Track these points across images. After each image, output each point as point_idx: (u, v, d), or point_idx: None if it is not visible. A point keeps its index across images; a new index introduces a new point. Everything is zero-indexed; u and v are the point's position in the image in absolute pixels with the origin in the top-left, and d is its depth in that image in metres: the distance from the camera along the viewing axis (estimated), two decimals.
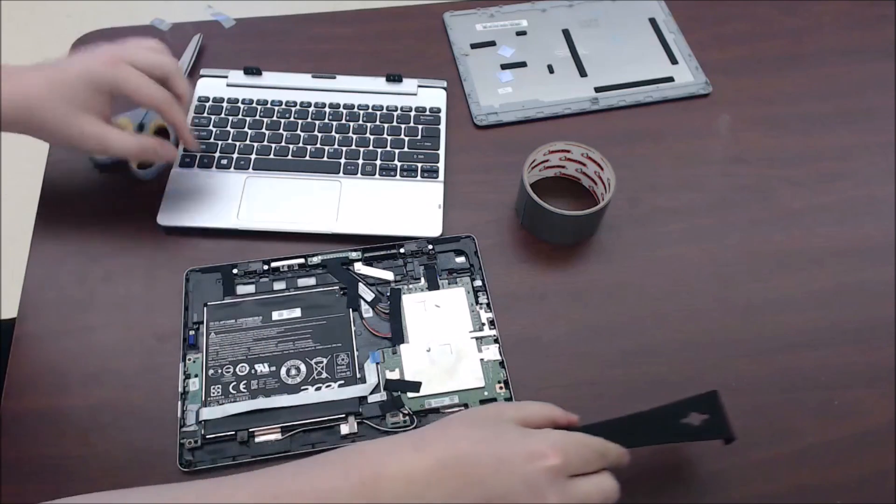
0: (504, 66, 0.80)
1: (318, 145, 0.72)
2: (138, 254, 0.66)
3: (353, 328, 0.61)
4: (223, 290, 0.63)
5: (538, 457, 0.44)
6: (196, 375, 0.59)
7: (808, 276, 0.67)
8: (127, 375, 0.59)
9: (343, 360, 0.60)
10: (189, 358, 0.60)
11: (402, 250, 0.66)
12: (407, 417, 0.57)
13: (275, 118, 0.73)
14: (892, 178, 0.73)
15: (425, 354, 0.60)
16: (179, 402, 0.57)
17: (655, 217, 0.70)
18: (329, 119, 0.74)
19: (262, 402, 0.57)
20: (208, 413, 0.57)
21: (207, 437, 0.56)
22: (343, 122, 0.74)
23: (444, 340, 0.61)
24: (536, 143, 0.68)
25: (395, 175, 0.70)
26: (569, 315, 0.64)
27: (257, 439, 0.56)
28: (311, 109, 0.74)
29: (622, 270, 0.67)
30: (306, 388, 0.58)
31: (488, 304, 0.63)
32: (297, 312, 0.62)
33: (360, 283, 0.64)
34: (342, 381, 0.59)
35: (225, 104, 0.74)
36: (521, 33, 0.82)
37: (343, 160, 0.71)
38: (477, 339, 0.61)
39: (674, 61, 0.80)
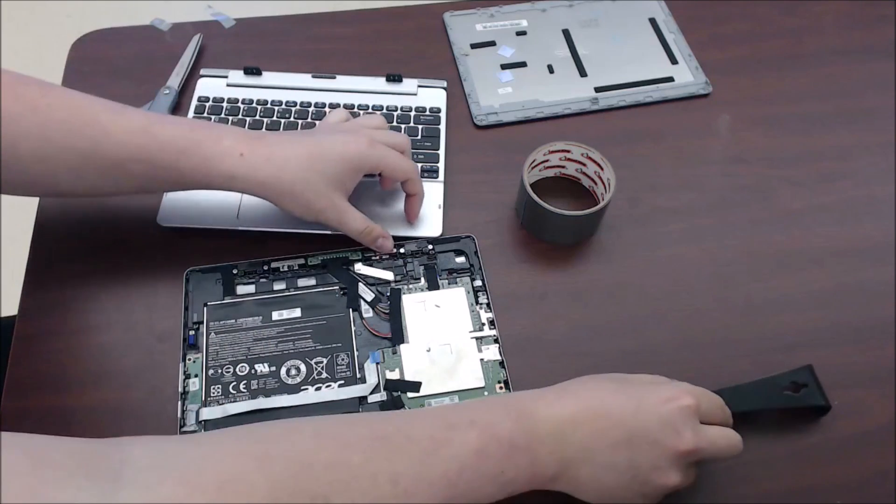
0: (504, 66, 0.80)
1: None
2: (138, 254, 0.66)
3: (353, 328, 0.62)
4: (223, 290, 0.63)
5: (673, 399, 0.48)
6: (196, 375, 0.59)
7: (808, 276, 0.67)
8: (127, 375, 0.59)
9: (343, 360, 0.60)
10: (189, 358, 0.60)
11: (402, 250, 0.66)
12: None
13: (275, 118, 0.73)
14: (892, 178, 0.73)
15: (425, 354, 0.60)
16: (179, 402, 0.57)
17: (655, 217, 0.70)
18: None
19: (262, 402, 0.57)
20: (208, 413, 0.57)
21: None
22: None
23: (444, 340, 0.61)
24: (536, 143, 0.68)
25: None
26: (569, 315, 0.64)
27: None
28: (311, 109, 0.74)
29: (622, 270, 0.67)
30: (306, 388, 0.58)
31: (488, 304, 0.63)
32: (297, 312, 0.62)
33: (360, 283, 0.64)
34: (342, 381, 0.59)
35: (225, 104, 0.74)
36: (521, 33, 0.82)
37: None
38: (477, 339, 0.61)
39: (674, 61, 0.80)
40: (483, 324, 0.62)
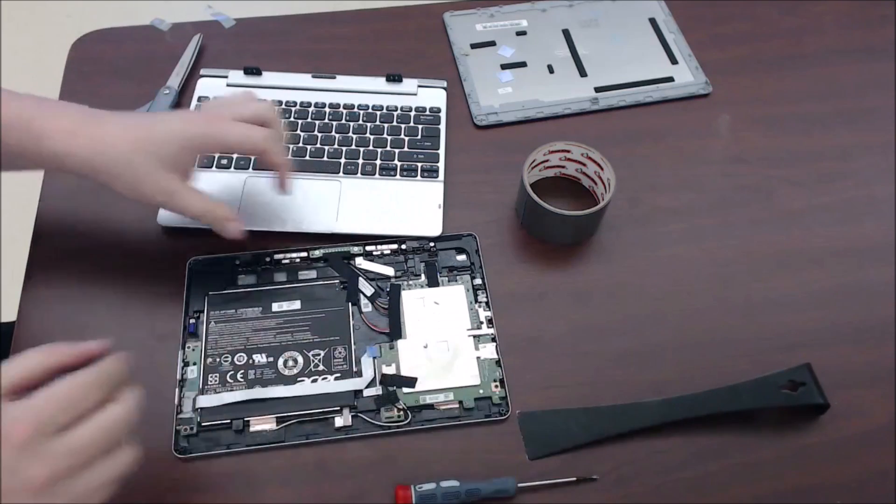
0: (504, 66, 0.80)
1: (318, 145, 0.72)
2: (138, 254, 0.66)
3: (351, 322, 0.62)
4: (225, 279, 0.63)
5: (5, 438, 0.40)
6: (195, 363, 0.59)
7: (808, 276, 0.67)
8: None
9: (340, 353, 0.60)
10: (188, 346, 0.60)
11: (403, 246, 0.66)
12: (401, 412, 0.58)
13: None
14: (892, 178, 0.73)
15: (422, 350, 0.60)
16: (177, 389, 0.58)
17: (655, 217, 0.70)
18: (329, 119, 0.74)
19: (258, 392, 0.58)
20: (205, 401, 0.57)
21: (203, 424, 0.56)
22: (343, 122, 0.74)
23: (441, 337, 0.61)
24: (536, 143, 0.68)
25: (395, 175, 0.70)
26: (568, 315, 0.64)
27: (252, 428, 0.57)
28: (311, 109, 0.74)
29: (622, 270, 0.67)
30: (303, 380, 0.59)
31: (487, 303, 0.63)
32: (296, 304, 0.62)
33: (360, 278, 0.64)
34: (338, 374, 0.59)
35: None
36: (521, 33, 0.82)
37: (343, 160, 0.71)
38: (474, 337, 0.62)
39: (674, 61, 0.80)
40: (481, 322, 0.62)
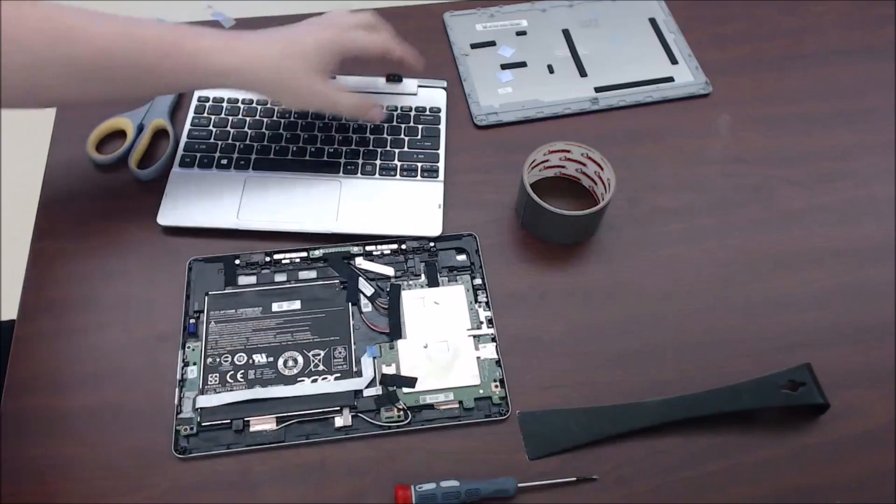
0: (504, 66, 0.80)
1: (318, 145, 0.72)
2: (138, 253, 0.66)
3: (351, 322, 0.62)
4: (225, 279, 0.63)
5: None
6: (195, 363, 0.59)
7: (808, 276, 0.67)
8: (127, 375, 0.59)
9: (340, 353, 0.60)
10: (188, 346, 0.60)
11: (403, 246, 0.66)
12: (401, 413, 0.57)
13: (275, 118, 0.73)
14: (892, 178, 0.73)
15: (422, 350, 0.60)
16: (177, 390, 0.58)
17: (655, 217, 0.70)
18: (329, 119, 0.74)
19: (258, 392, 0.58)
20: (205, 401, 0.57)
21: (203, 424, 0.56)
22: (343, 121, 0.74)
23: (441, 337, 0.61)
24: (536, 143, 0.68)
25: (394, 175, 0.70)
26: (569, 315, 0.64)
27: (252, 428, 0.57)
28: (310, 109, 0.74)
29: (622, 270, 0.67)
30: (302, 380, 0.59)
31: (487, 303, 0.63)
32: (296, 304, 0.62)
33: (360, 278, 0.64)
34: (338, 375, 0.59)
35: (225, 104, 0.74)
36: (520, 33, 0.82)
37: (343, 160, 0.71)
38: (474, 337, 0.62)
39: (674, 61, 0.80)
40: (481, 322, 0.62)
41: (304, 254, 0.65)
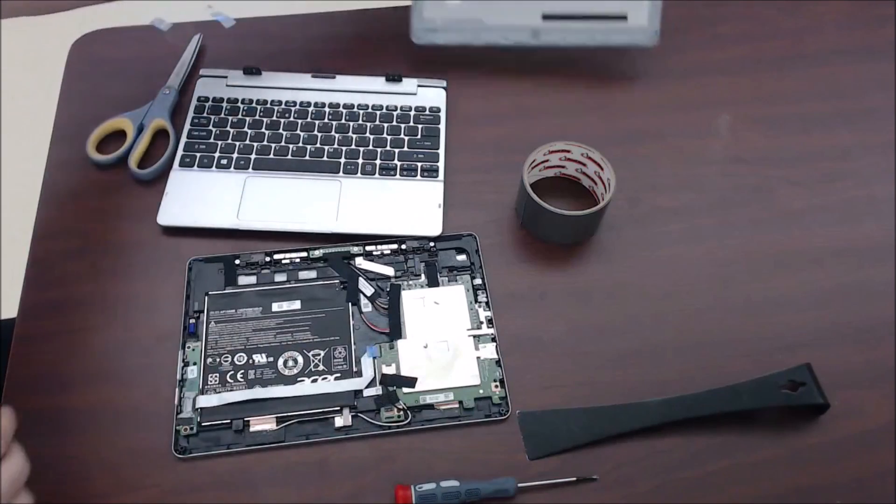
0: None
1: (318, 145, 0.72)
2: (138, 253, 0.66)
3: (351, 322, 0.62)
4: (225, 279, 0.63)
5: None
6: (195, 363, 0.59)
7: (808, 276, 0.67)
8: (127, 375, 0.59)
9: (340, 353, 0.60)
10: (188, 346, 0.60)
11: (403, 246, 0.66)
12: (401, 412, 0.58)
13: (274, 118, 0.73)
14: (892, 178, 0.73)
15: (422, 350, 0.60)
16: (177, 390, 0.58)
17: (655, 217, 0.70)
18: (329, 119, 0.74)
19: (258, 392, 0.58)
20: (205, 401, 0.57)
21: (203, 424, 0.56)
22: (343, 121, 0.74)
23: (441, 337, 0.61)
24: (536, 142, 0.68)
25: (394, 174, 0.70)
26: (569, 315, 0.64)
27: (252, 428, 0.57)
28: (310, 109, 0.74)
29: (622, 270, 0.67)
30: (303, 380, 0.59)
31: (487, 303, 0.63)
32: (296, 304, 0.62)
33: (360, 278, 0.64)
34: (338, 375, 0.59)
35: (225, 104, 0.74)
36: None
37: (343, 160, 0.71)
38: (474, 337, 0.62)
39: None
40: (481, 322, 0.62)
41: (304, 254, 0.65)
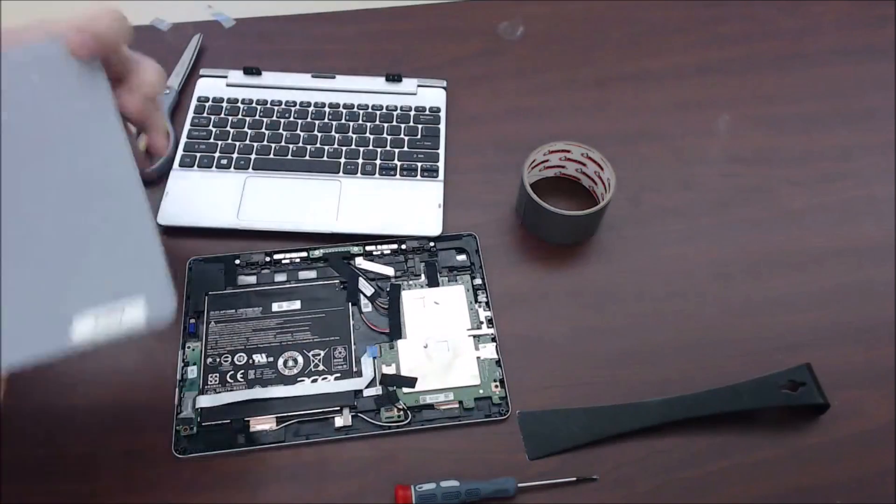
0: None
1: (318, 145, 0.72)
2: None
3: (351, 322, 0.62)
4: (225, 279, 0.63)
5: None
6: (195, 363, 0.59)
7: (808, 276, 0.67)
8: (127, 375, 0.59)
9: (340, 353, 0.60)
10: (188, 346, 0.60)
11: (403, 246, 0.66)
12: (401, 412, 0.57)
13: (274, 118, 0.73)
14: (892, 178, 0.73)
15: (422, 350, 0.60)
16: (177, 390, 0.58)
17: (655, 217, 0.70)
18: (329, 119, 0.74)
19: (258, 392, 0.57)
20: (205, 401, 0.57)
21: (203, 424, 0.56)
22: (343, 121, 0.74)
23: (441, 337, 0.61)
24: (536, 142, 0.68)
25: (394, 174, 0.70)
26: (569, 315, 0.64)
27: (252, 429, 0.57)
28: (310, 109, 0.74)
29: (622, 270, 0.67)
30: (303, 380, 0.59)
31: (487, 303, 0.63)
32: (296, 305, 0.62)
33: (360, 278, 0.64)
34: (338, 375, 0.59)
35: (225, 104, 0.74)
36: None
37: (343, 160, 0.71)
38: (474, 337, 0.61)
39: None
40: (481, 322, 0.62)
41: (304, 254, 0.65)
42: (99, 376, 0.59)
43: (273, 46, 0.81)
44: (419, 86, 0.77)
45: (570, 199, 0.70)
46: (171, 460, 0.55)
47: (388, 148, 0.72)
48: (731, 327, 0.64)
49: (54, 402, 0.58)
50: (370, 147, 0.72)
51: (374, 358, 0.60)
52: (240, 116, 0.73)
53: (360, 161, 0.71)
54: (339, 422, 0.57)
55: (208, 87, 0.76)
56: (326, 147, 0.72)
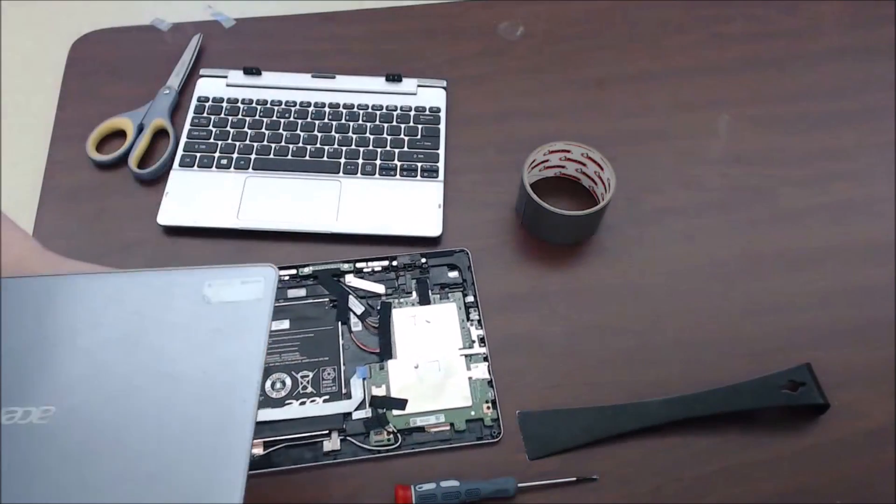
0: None
1: (318, 145, 0.72)
2: (138, 254, 0.66)
3: (340, 342, 0.61)
4: None
5: None
6: None
7: (808, 276, 0.67)
8: None
9: (329, 374, 0.59)
10: None
11: (394, 263, 0.65)
12: (391, 436, 0.56)
13: (274, 118, 0.73)
14: (892, 178, 0.73)
15: (413, 371, 0.59)
16: None
17: (655, 217, 0.70)
18: (329, 119, 0.74)
19: None
20: None
21: None
22: (343, 121, 0.74)
23: (432, 357, 0.60)
24: (536, 142, 0.68)
25: (394, 175, 0.70)
26: (569, 315, 0.64)
27: None
28: (310, 109, 0.74)
29: (622, 270, 0.67)
30: (290, 403, 0.57)
31: (479, 321, 0.62)
32: (285, 324, 0.61)
33: (350, 296, 0.63)
34: (327, 397, 0.58)
35: (225, 104, 0.74)
36: None
37: (343, 160, 0.71)
38: (466, 356, 0.60)
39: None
40: (473, 341, 0.61)
41: (293, 271, 0.64)
42: None
43: (273, 46, 0.81)
44: (419, 86, 0.77)
45: (570, 199, 0.70)
46: None
47: (388, 148, 0.72)
48: (731, 327, 0.64)
49: None
50: (370, 147, 0.72)
51: (364, 379, 0.59)
52: (240, 116, 0.73)
53: (360, 161, 0.71)
54: (327, 445, 0.56)
55: (208, 87, 0.76)
56: (326, 147, 0.72)
